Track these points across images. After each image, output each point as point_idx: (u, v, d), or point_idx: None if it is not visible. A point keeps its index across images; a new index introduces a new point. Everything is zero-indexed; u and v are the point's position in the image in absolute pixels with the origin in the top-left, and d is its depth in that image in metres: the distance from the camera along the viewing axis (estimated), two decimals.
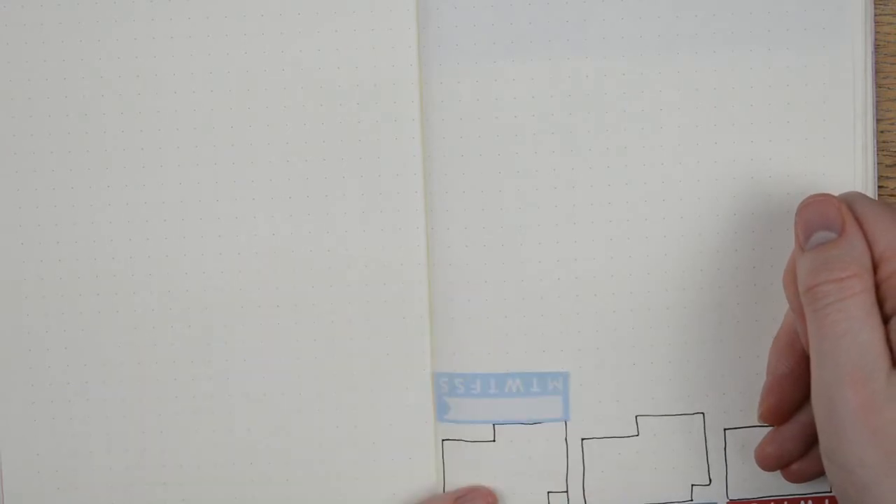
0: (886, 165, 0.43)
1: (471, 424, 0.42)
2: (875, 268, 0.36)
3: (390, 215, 0.42)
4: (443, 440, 0.42)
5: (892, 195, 0.43)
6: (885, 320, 0.35)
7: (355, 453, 0.42)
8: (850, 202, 0.37)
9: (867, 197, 0.38)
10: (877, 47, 0.42)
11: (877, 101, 0.42)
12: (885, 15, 0.43)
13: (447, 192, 0.42)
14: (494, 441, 0.42)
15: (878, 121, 0.42)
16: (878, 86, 0.43)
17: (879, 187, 0.43)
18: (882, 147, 0.43)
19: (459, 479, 0.42)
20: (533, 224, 0.42)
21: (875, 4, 0.42)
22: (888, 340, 0.35)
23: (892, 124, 0.43)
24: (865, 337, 0.34)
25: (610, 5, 0.41)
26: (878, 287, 0.36)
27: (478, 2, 0.41)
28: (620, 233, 0.42)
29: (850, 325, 0.35)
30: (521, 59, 0.41)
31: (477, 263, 0.42)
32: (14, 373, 0.42)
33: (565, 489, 0.42)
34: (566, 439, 0.42)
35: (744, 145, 0.42)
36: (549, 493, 0.42)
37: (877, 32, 0.42)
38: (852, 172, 0.42)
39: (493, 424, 0.42)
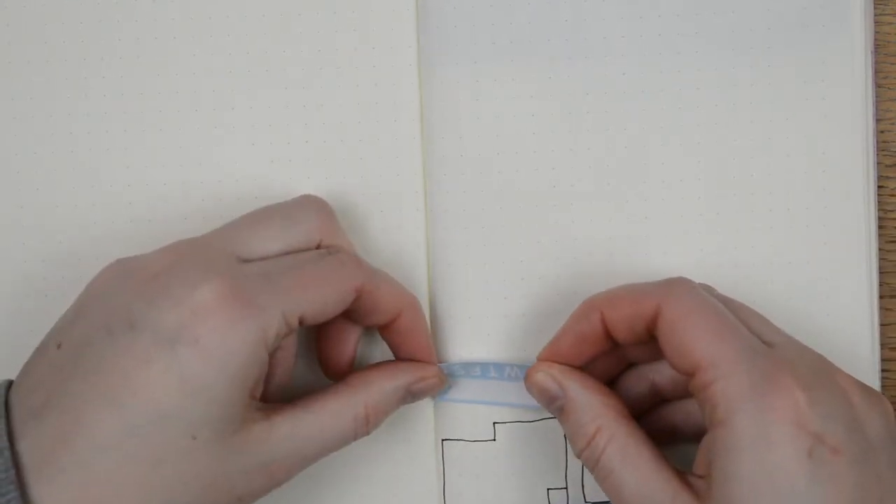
0: (886, 165, 0.43)
1: (470, 422, 0.42)
2: (692, 373, 0.34)
3: (390, 215, 0.42)
4: (443, 440, 0.42)
5: (892, 195, 0.43)
6: (698, 432, 0.35)
7: (355, 453, 0.42)
8: (668, 301, 0.35)
9: (688, 290, 0.36)
10: (877, 47, 0.42)
11: (877, 101, 0.42)
12: (885, 15, 0.43)
13: (447, 191, 0.42)
14: (495, 440, 0.42)
15: (878, 121, 0.42)
16: (878, 86, 0.43)
17: (879, 187, 0.43)
18: (882, 147, 0.43)
19: (460, 479, 0.42)
20: (532, 223, 0.42)
21: (875, 4, 0.42)
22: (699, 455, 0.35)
23: (892, 124, 0.43)
24: (633, 480, 0.35)
25: (610, 4, 0.41)
26: (696, 393, 0.34)
27: (477, 2, 0.41)
28: (620, 231, 0.42)
29: (619, 478, 0.35)
30: (521, 58, 0.42)
31: (477, 263, 0.42)
32: (14, 372, 0.42)
33: (565, 485, 0.42)
34: (565, 436, 0.42)
35: (744, 142, 0.42)
36: (548, 489, 0.42)
37: (877, 32, 0.42)
38: (852, 172, 0.42)
39: (494, 423, 0.42)
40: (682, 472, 0.35)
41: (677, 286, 0.36)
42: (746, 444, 0.32)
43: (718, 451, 0.33)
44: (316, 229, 0.38)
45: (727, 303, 0.37)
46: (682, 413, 0.39)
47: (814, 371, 0.34)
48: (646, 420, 0.40)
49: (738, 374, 0.33)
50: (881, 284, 0.43)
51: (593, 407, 0.37)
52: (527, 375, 0.39)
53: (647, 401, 0.40)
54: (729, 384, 0.33)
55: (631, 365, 0.40)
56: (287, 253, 0.37)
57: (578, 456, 0.37)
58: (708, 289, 0.38)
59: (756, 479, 0.32)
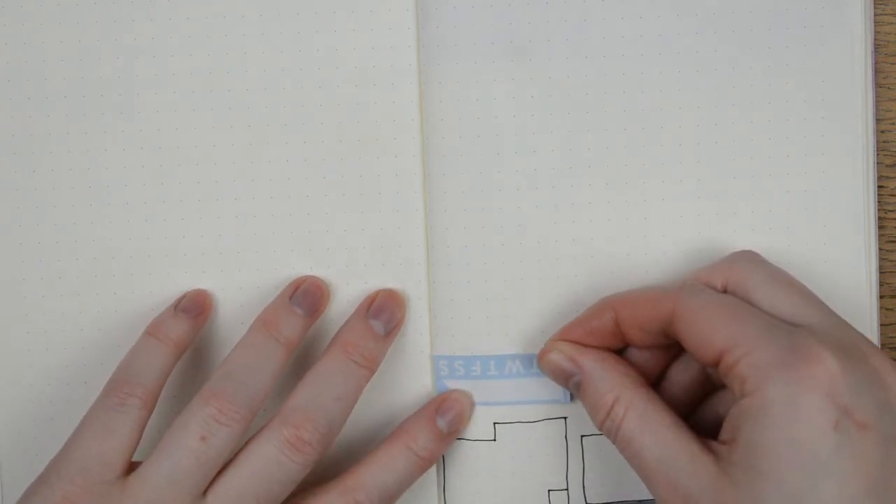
0: (886, 165, 0.43)
1: (470, 422, 0.42)
2: (718, 361, 0.35)
3: (389, 215, 0.42)
4: None
5: (892, 195, 0.43)
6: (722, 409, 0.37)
7: (356, 453, 0.42)
8: (681, 300, 0.36)
9: (700, 290, 0.37)
10: (877, 47, 0.42)
11: (877, 101, 0.42)
12: (885, 15, 0.43)
13: (446, 191, 0.42)
14: (495, 440, 0.42)
15: (878, 121, 0.42)
16: (878, 86, 0.43)
17: (879, 187, 0.43)
18: (882, 147, 0.43)
19: (459, 479, 0.42)
20: (532, 223, 0.42)
21: (875, 4, 0.42)
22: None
23: (893, 124, 0.43)
24: (653, 445, 0.35)
25: (610, 5, 0.41)
26: (725, 376, 0.35)
27: (477, 2, 0.41)
28: (619, 231, 0.42)
29: (639, 444, 0.35)
30: (521, 58, 0.41)
31: (476, 263, 0.42)
32: (14, 373, 0.42)
33: (566, 487, 0.42)
34: (566, 437, 0.42)
35: (744, 143, 0.42)
36: (549, 490, 0.42)
37: (877, 32, 0.42)
38: (852, 172, 0.42)
39: (494, 423, 0.42)
40: (704, 438, 0.35)
41: (690, 286, 0.37)
42: (774, 413, 0.32)
43: (745, 418, 0.33)
44: None
45: (773, 274, 0.38)
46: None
47: (846, 348, 0.34)
48: (695, 416, 0.40)
49: (762, 347, 0.34)
50: (881, 284, 0.43)
51: (610, 377, 0.37)
52: (539, 356, 0.40)
53: (699, 389, 0.40)
54: (754, 357, 0.33)
55: (676, 355, 0.40)
56: None
57: (600, 428, 0.37)
58: (753, 254, 0.39)
59: (780, 448, 0.32)
